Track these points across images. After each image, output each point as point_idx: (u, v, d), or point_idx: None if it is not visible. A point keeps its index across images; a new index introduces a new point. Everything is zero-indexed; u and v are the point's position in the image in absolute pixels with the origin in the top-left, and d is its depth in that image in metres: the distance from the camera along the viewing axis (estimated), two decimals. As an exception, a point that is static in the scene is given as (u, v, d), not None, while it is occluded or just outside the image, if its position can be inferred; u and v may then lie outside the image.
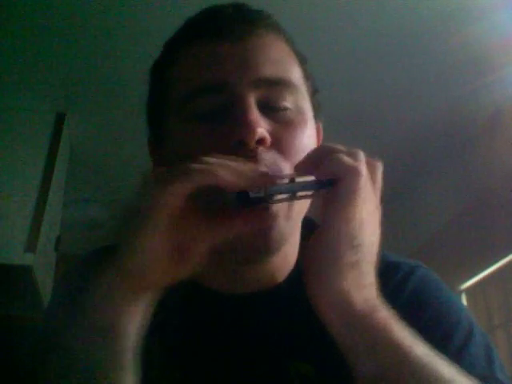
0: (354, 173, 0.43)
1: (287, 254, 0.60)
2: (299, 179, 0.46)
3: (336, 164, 0.43)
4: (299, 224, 0.59)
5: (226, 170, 0.41)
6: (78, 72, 2.18)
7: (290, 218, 0.53)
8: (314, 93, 0.61)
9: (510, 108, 2.36)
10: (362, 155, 0.45)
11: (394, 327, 0.44)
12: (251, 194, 0.44)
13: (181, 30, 0.60)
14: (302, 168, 0.46)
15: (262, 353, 0.57)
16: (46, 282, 2.24)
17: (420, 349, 0.44)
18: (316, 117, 0.61)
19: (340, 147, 0.46)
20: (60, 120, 2.38)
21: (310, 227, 0.59)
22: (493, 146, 2.49)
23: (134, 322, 0.43)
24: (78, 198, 3.03)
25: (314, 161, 0.45)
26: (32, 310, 2.22)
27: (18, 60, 2.11)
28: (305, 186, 0.46)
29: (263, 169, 0.47)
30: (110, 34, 2.00)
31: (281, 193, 0.45)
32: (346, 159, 0.44)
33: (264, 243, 0.51)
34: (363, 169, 0.44)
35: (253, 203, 0.44)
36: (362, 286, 0.44)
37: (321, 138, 0.65)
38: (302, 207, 0.56)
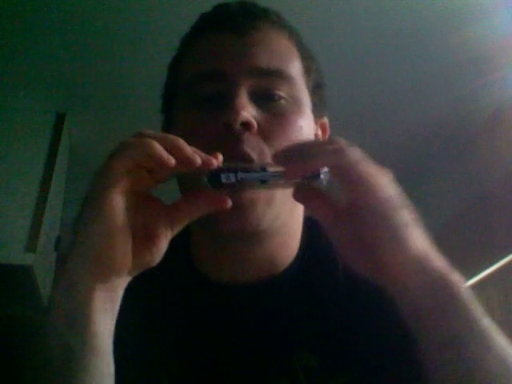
0: (347, 154, 0.44)
1: (285, 242, 0.61)
2: (271, 169, 0.48)
3: (328, 156, 0.45)
4: (286, 211, 0.58)
5: (160, 143, 0.43)
6: (77, 72, 2.18)
7: (272, 202, 0.54)
8: (316, 88, 0.62)
9: (510, 108, 2.36)
10: (339, 139, 0.46)
11: (466, 294, 0.45)
12: (222, 179, 0.46)
13: (193, 25, 0.64)
14: (281, 158, 0.47)
15: (266, 344, 0.57)
16: (45, 282, 2.24)
17: (486, 318, 0.45)
18: (319, 112, 0.62)
19: (316, 141, 0.49)
20: (60, 120, 2.38)
21: (315, 227, 0.60)
22: (493, 146, 2.49)
23: (103, 308, 0.44)
24: (78, 198, 3.02)
25: (293, 154, 0.46)
26: (32, 309, 2.22)
27: (17, 60, 2.11)
28: (274, 176, 0.47)
29: (246, 151, 0.51)
30: (110, 34, 2.00)
31: (252, 180, 0.47)
32: (330, 147, 0.45)
33: (239, 223, 0.53)
34: (348, 147, 0.45)
35: (224, 187, 0.46)
36: (429, 244, 0.46)
37: (327, 133, 0.66)
38: (285, 194, 0.55)
